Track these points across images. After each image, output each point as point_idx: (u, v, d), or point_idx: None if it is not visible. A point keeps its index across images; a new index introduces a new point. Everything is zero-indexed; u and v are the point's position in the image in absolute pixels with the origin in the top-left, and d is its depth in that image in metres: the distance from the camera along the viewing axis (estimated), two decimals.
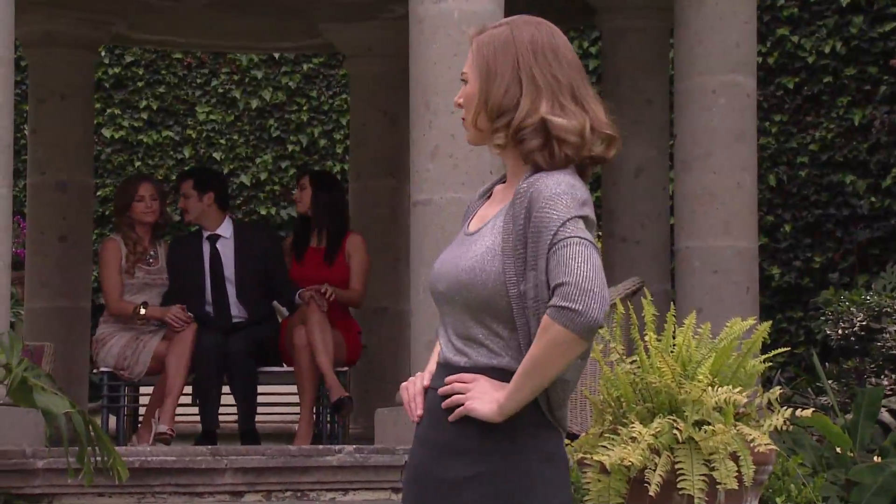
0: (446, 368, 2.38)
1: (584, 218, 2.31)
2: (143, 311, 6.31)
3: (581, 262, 2.26)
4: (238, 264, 6.48)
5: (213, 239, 6.55)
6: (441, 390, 2.36)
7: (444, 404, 2.35)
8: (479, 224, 2.42)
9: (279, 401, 7.35)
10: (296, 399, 6.57)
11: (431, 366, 2.48)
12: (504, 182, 2.47)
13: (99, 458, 4.65)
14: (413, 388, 2.43)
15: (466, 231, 2.44)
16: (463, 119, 2.44)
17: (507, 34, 2.40)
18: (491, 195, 2.48)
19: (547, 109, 2.34)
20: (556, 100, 2.36)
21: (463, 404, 2.33)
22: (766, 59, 9.88)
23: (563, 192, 2.31)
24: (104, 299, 6.51)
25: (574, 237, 2.28)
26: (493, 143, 2.40)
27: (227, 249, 6.52)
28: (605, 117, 2.41)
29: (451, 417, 2.33)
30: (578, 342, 2.26)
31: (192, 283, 6.46)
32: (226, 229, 6.56)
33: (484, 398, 2.31)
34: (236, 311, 6.49)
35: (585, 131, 2.36)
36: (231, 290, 6.47)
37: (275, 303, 6.86)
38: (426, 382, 2.43)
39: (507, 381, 2.33)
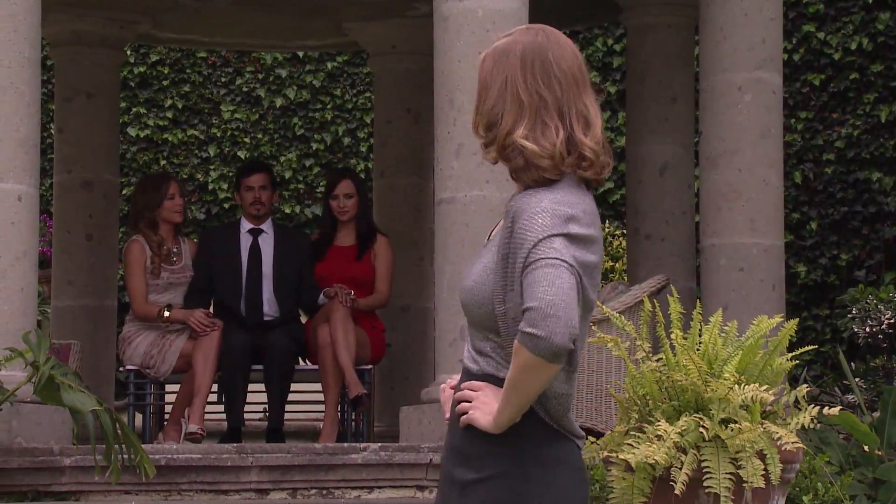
0: (465, 374, 2.44)
1: (567, 235, 2.28)
2: (167, 314, 6.32)
3: (547, 285, 2.24)
4: (276, 261, 6.48)
5: (256, 233, 6.55)
6: (455, 395, 2.42)
7: (459, 409, 2.41)
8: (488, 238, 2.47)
9: (304, 399, 7.36)
10: (320, 397, 6.58)
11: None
12: None
13: (126, 456, 4.67)
14: (443, 394, 2.51)
15: (485, 243, 2.48)
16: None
17: (506, 46, 2.38)
18: None
19: (523, 132, 2.32)
20: (539, 118, 2.33)
21: (460, 411, 2.40)
22: (791, 56, 9.83)
23: (542, 209, 2.29)
24: (130, 302, 6.52)
25: (544, 258, 2.25)
26: (488, 156, 2.40)
27: (267, 246, 6.52)
28: (593, 136, 2.36)
29: (460, 423, 2.39)
30: (546, 366, 2.26)
31: (228, 276, 6.44)
32: (268, 225, 6.58)
33: (484, 409, 2.36)
34: (268, 307, 6.49)
35: (557, 153, 2.32)
36: (267, 286, 6.47)
37: None
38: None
39: None
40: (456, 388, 2.44)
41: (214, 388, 6.50)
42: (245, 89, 11.28)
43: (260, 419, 7.60)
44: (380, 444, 5.32)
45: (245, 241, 6.54)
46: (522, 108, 2.33)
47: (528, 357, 2.26)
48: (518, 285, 2.29)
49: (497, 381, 2.37)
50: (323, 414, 6.44)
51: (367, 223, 6.66)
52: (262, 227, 6.58)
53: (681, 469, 3.40)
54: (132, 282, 6.41)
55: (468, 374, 2.41)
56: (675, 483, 3.39)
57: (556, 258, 2.25)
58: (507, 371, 2.34)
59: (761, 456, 3.46)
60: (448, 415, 2.45)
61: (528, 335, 2.25)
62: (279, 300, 6.47)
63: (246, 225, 6.58)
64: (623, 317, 3.93)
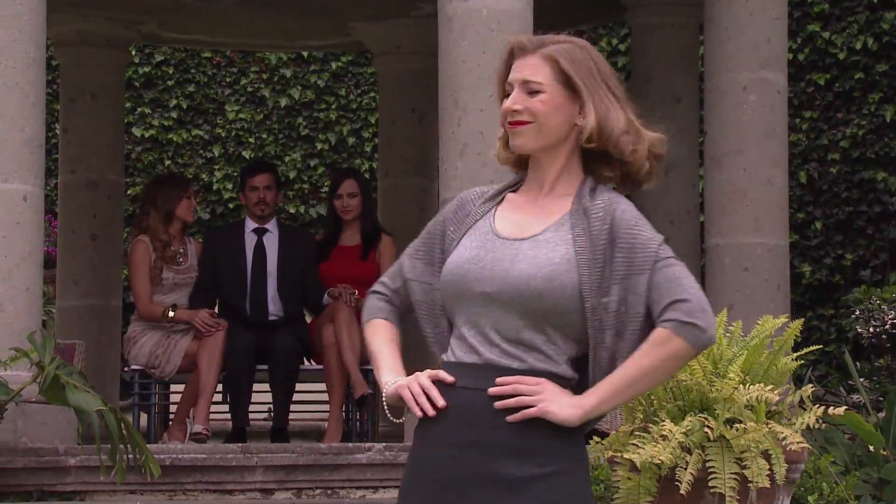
0: (485, 370, 2.36)
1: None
2: (171, 314, 6.32)
3: (692, 282, 2.37)
4: (280, 260, 6.48)
5: (261, 232, 6.55)
6: (496, 390, 2.34)
7: (503, 404, 2.33)
8: (521, 231, 2.41)
9: (308, 399, 7.37)
10: (324, 397, 6.58)
11: (397, 364, 2.50)
12: (515, 189, 2.47)
13: (131, 456, 4.67)
14: (424, 382, 2.40)
15: (498, 234, 2.41)
16: (523, 124, 2.42)
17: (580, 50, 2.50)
18: (503, 200, 2.47)
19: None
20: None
21: (527, 406, 2.32)
22: (796, 56, 9.82)
23: (638, 213, 2.45)
24: (134, 302, 6.53)
25: (674, 258, 2.39)
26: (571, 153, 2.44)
27: (271, 245, 6.52)
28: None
29: (514, 417, 2.32)
30: (692, 357, 2.35)
31: (232, 275, 6.44)
32: (273, 225, 6.58)
33: (561, 402, 2.33)
34: (273, 307, 6.49)
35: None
36: (271, 285, 6.46)
37: None
38: (447, 378, 2.39)
39: (563, 387, 2.35)
40: (466, 384, 2.36)
41: (219, 388, 6.50)
42: (249, 89, 11.29)
43: (265, 419, 7.60)
44: (384, 444, 5.32)
45: (249, 241, 6.55)
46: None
47: (682, 347, 2.33)
48: (643, 278, 2.34)
49: (550, 377, 2.34)
50: (328, 414, 6.45)
51: (372, 223, 6.66)
52: (267, 226, 6.58)
53: (686, 469, 3.40)
54: (137, 282, 6.42)
55: (499, 371, 2.34)
56: (681, 483, 3.38)
57: (681, 262, 2.40)
58: (560, 366, 2.34)
59: (766, 456, 3.46)
60: (429, 411, 2.36)
61: (689, 325, 2.32)
62: (283, 299, 6.48)
63: (250, 224, 6.59)
64: None
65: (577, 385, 2.38)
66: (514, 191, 2.48)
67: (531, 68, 2.42)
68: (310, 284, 6.53)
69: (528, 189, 2.46)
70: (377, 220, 6.78)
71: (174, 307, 6.36)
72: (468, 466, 2.33)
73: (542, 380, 2.34)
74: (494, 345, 2.37)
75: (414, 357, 8.68)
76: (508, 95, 2.43)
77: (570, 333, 2.36)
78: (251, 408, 6.48)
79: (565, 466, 2.33)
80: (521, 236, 2.40)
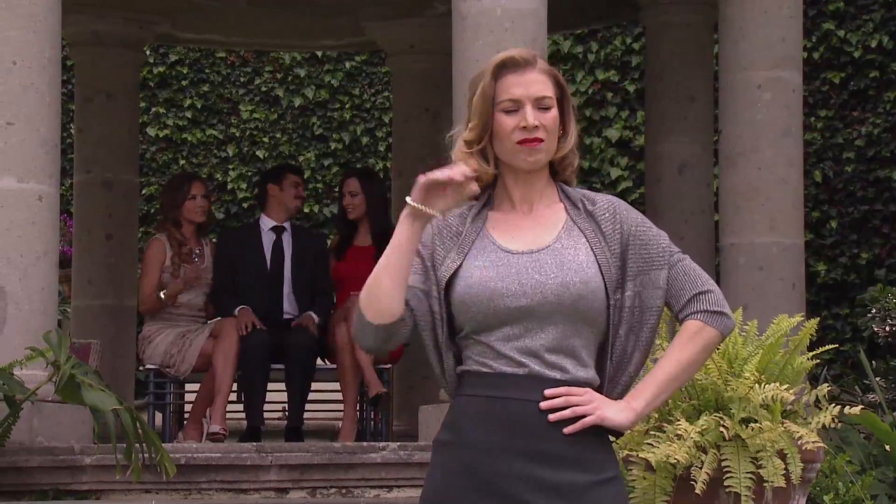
0: (530, 381, 2.37)
1: None
2: (162, 295, 6.31)
3: (707, 275, 2.47)
4: (295, 258, 6.49)
5: (279, 231, 6.55)
6: (548, 404, 2.36)
7: (558, 416, 2.36)
8: (531, 244, 2.42)
9: (323, 398, 7.38)
10: (339, 396, 6.58)
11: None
12: (490, 206, 2.47)
13: (146, 455, 4.69)
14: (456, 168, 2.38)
15: (507, 249, 2.42)
16: (541, 141, 2.43)
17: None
18: (487, 217, 2.46)
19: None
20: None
21: (580, 416, 2.36)
22: (811, 54, 9.79)
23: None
24: (139, 296, 6.51)
25: (684, 253, 2.49)
26: (561, 166, 2.48)
27: (287, 244, 6.53)
28: None
29: (572, 428, 2.36)
30: (718, 345, 2.47)
31: (250, 274, 6.43)
32: (288, 223, 6.60)
33: (613, 407, 2.39)
34: (288, 306, 6.48)
35: None
36: (287, 283, 6.47)
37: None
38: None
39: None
40: (511, 395, 2.37)
41: (234, 387, 6.51)
42: (264, 89, 11.30)
43: (279, 418, 7.61)
44: (399, 444, 5.32)
45: (268, 239, 6.54)
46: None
47: (714, 336, 2.43)
48: (659, 273, 2.42)
49: (585, 385, 2.39)
50: (342, 413, 6.45)
51: (380, 222, 6.62)
52: (284, 224, 6.60)
53: (701, 469, 3.39)
54: (145, 278, 6.42)
55: (546, 382, 2.37)
56: (696, 482, 3.38)
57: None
58: (590, 371, 2.39)
59: (782, 455, 3.45)
60: (467, 171, 2.33)
61: (718, 314, 2.43)
62: (298, 298, 6.49)
63: (268, 223, 6.58)
64: None
65: (598, 388, 2.43)
66: (490, 208, 2.48)
67: (540, 84, 2.44)
68: (319, 288, 6.54)
69: (507, 204, 2.47)
70: (389, 220, 6.76)
71: (163, 290, 6.34)
72: (519, 475, 2.36)
73: (587, 389, 2.40)
74: (535, 356, 2.39)
75: (414, 358, 8.48)
76: (509, 112, 2.42)
77: (597, 334, 2.42)
78: (266, 407, 6.48)
79: (615, 472, 2.40)
80: (533, 248, 2.43)
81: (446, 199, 2.37)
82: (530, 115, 2.42)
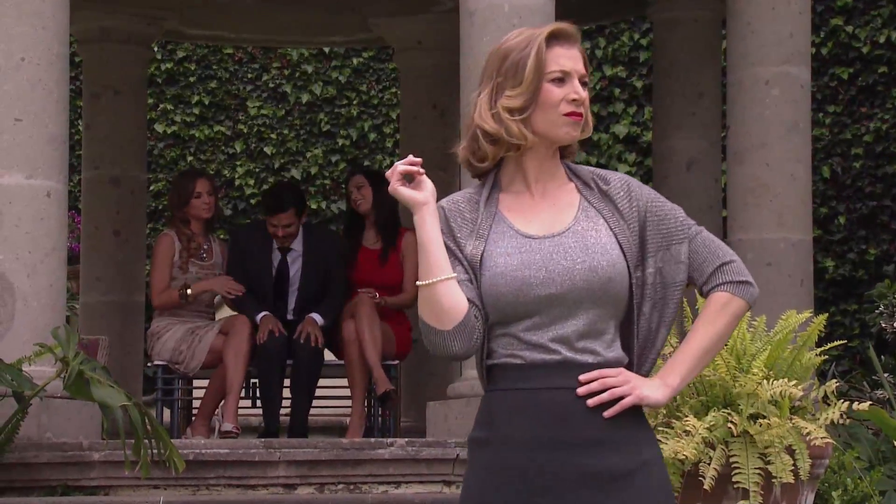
0: (563, 367, 2.34)
1: None
2: (189, 291, 6.33)
3: (725, 245, 2.46)
4: (305, 259, 6.44)
5: (285, 250, 6.48)
6: (585, 389, 2.33)
7: (596, 401, 2.32)
8: (550, 227, 2.38)
9: (330, 394, 7.38)
10: (346, 392, 6.58)
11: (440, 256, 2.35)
12: (498, 189, 2.42)
13: (155, 451, 4.69)
14: (397, 167, 2.35)
15: (527, 234, 2.38)
16: (581, 116, 2.41)
17: None
18: (499, 200, 2.41)
19: None
20: None
21: (619, 397, 2.33)
22: (819, 50, 9.77)
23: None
24: (150, 292, 6.52)
25: (699, 225, 2.47)
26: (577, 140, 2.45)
27: (296, 243, 6.48)
28: None
29: (612, 411, 2.32)
30: (745, 314, 2.45)
31: (258, 275, 6.40)
32: (298, 242, 6.51)
33: (650, 385, 2.37)
34: (294, 306, 6.45)
35: None
36: (293, 295, 6.44)
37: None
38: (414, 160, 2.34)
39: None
40: (543, 385, 2.34)
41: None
42: (271, 85, 11.30)
43: (286, 414, 7.61)
44: (406, 440, 5.32)
45: (276, 259, 6.48)
46: None
47: (741, 305, 2.42)
48: (679, 247, 2.41)
49: (616, 364, 2.36)
50: (350, 410, 6.45)
51: (386, 218, 6.60)
52: (293, 245, 6.52)
53: (709, 465, 3.39)
54: (156, 273, 6.41)
55: (580, 367, 2.34)
56: (704, 478, 3.38)
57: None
58: (618, 351, 2.36)
59: (790, 451, 3.45)
60: (412, 160, 2.31)
61: (744, 283, 2.42)
62: (304, 298, 6.46)
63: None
64: None
65: (627, 366, 2.40)
66: (499, 191, 2.44)
67: (581, 61, 2.42)
68: (331, 289, 6.49)
69: (519, 184, 2.42)
70: (397, 217, 6.74)
71: (187, 286, 6.35)
72: (562, 465, 2.32)
73: (621, 369, 2.36)
74: (566, 343, 2.36)
75: (421, 354, 8.47)
76: (557, 82, 2.38)
77: (620, 314, 2.39)
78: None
79: (654, 452, 2.38)
80: (553, 232, 2.39)
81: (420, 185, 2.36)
82: (579, 89, 2.39)
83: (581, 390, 2.33)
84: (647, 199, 2.43)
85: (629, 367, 2.40)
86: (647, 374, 2.41)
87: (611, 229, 2.39)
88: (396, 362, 6.67)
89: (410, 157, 2.36)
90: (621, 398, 2.33)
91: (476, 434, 2.38)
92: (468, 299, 2.36)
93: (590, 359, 2.35)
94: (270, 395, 6.32)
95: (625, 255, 2.38)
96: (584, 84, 2.41)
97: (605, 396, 2.33)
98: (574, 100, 2.38)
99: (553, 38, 2.40)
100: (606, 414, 2.32)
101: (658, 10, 7.33)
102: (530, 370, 2.35)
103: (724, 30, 6.76)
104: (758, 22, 6.15)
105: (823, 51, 9.85)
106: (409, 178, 2.36)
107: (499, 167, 2.43)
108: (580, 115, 2.40)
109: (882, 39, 9.74)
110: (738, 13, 6.22)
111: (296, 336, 6.31)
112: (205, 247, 6.53)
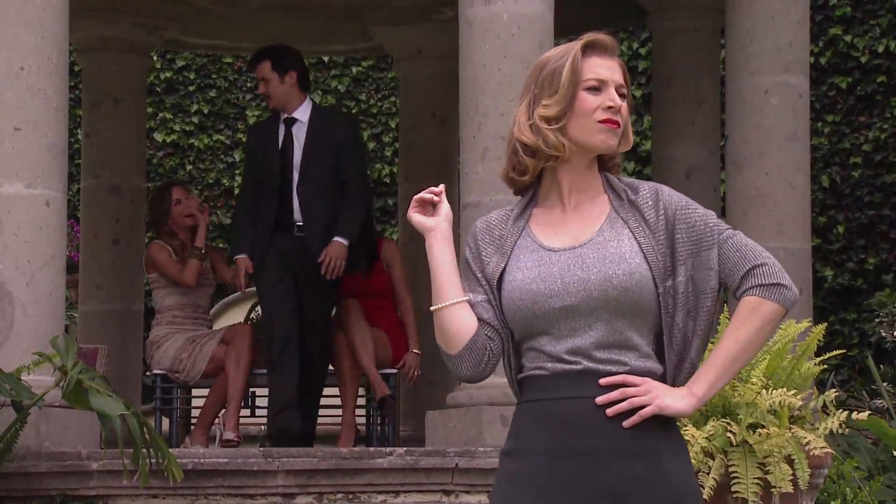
0: (585, 376, 2.33)
1: None
2: (197, 244, 6.27)
3: (761, 247, 2.41)
4: (306, 150, 5.96)
5: (290, 123, 6.07)
6: (604, 398, 2.31)
7: (616, 410, 2.30)
8: (574, 239, 2.38)
9: (326, 403, 7.37)
10: (339, 402, 6.57)
11: (454, 277, 2.39)
12: (534, 203, 2.43)
13: (153, 460, 4.69)
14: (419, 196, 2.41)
15: (549, 248, 2.38)
16: (617, 124, 2.42)
17: None
18: (530, 217, 2.43)
19: None
20: None
21: (639, 407, 2.31)
22: (818, 59, 9.79)
23: (682, 194, 2.48)
24: (179, 281, 6.31)
25: (732, 228, 2.42)
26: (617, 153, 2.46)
27: (300, 134, 6.06)
28: None
29: (630, 422, 2.30)
30: (782, 318, 2.38)
31: (263, 175, 6.04)
32: (303, 112, 6.04)
33: (672, 395, 2.33)
34: (298, 208, 5.99)
35: None
36: (294, 183, 5.97)
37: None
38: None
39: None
40: (564, 394, 2.32)
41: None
42: None
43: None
44: (405, 449, 5.32)
45: (280, 133, 6.10)
46: None
47: (773, 309, 2.36)
48: (709, 253, 2.37)
49: (651, 375, 2.33)
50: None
51: (359, 243, 6.09)
52: (296, 114, 6.03)
53: (708, 474, 3.39)
54: (168, 269, 6.36)
55: (602, 376, 2.31)
56: (703, 488, 3.37)
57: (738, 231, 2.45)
58: (652, 362, 2.33)
59: (789, 461, 3.44)
60: (434, 189, 2.36)
61: (776, 286, 2.36)
62: (304, 194, 5.97)
63: (282, 115, 6.11)
64: None
65: (661, 377, 2.37)
66: (535, 205, 2.44)
67: (619, 72, 2.43)
68: (350, 189, 5.84)
69: (553, 198, 2.43)
70: (372, 230, 6.51)
71: (196, 248, 6.29)
72: (577, 475, 2.31)
73: (646, 378, 2.33)
74: (585, 354, 2.34)
75: (436, 363, 8.61)
76: (593, 91, 2.39)
77: (649, 324, 2.35)
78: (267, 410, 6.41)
79: (681, 463, 2.33)
80: (575, 244, 2.38)
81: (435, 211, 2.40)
82: (615, 97, 2.40)
83: (600, 399, 2.31)
84: (676, 207, 2.40)
85: (663, 377, 2.36)
86: (683, 384, 2.38)
87: (635, 239, 2.36)
88: (395, 371, 6.66)
89: (432, 188, 2.40)
90: (641, 408, 2.31)
91: (504, 447, 2.40)
92: (484, 320, 2.38)
93: (614, 369, 2.33)
94: (287, 361, 5.94)
95: (649, 265, 2.34)
96: (622, 95, 2.41)
97: (624, 406, 2.31)
98: (610, 107, 2.39)
99: (589, 48, 2.43)
100: (626, 424, 2.30)
101: (657, 19, 7.34)
102: (553, 380, 2.35)
103: (724, 39, 6.76)
104: (757, 31, 6.15)
105: (822, 60, 9.87)
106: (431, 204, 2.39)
107: (539, 182, 2.44)
108: (616, 122, 2.40)
109: (881, 49, 9.75)
110: (738, 22, 6.23)
111: (319, 259, 5.82)
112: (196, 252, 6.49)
